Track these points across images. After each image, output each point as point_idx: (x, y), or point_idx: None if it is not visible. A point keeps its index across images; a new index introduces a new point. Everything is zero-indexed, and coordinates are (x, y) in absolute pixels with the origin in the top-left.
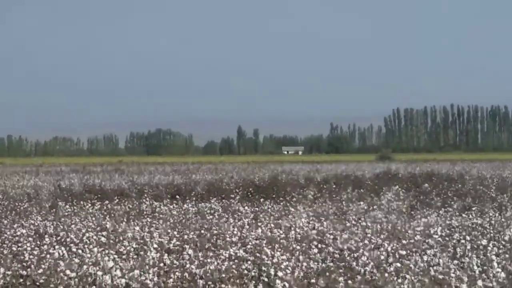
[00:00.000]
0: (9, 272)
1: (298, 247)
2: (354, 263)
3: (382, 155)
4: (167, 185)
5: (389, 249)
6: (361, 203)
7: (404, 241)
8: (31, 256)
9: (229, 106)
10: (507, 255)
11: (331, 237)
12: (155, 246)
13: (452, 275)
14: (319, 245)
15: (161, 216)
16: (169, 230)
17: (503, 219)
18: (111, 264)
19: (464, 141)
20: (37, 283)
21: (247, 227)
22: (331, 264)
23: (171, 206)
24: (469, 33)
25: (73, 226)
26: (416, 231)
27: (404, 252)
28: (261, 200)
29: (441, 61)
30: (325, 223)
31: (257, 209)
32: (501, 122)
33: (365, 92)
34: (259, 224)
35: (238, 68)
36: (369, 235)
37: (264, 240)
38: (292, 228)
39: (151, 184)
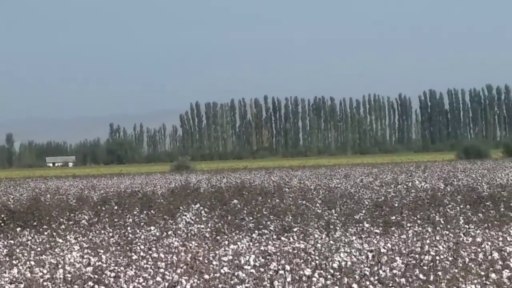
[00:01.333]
0: None
1: None
2: None
3: (179, 165)
4: None
5: (188, 286)
6: (152, 228)
7: (207, 276)
8: None
9: None
10: (336, 287)
11: (112, 274)
12: None
13: None
14: (96, 287)
15: None
16: None
17: (331, 242)
18: None
19: (282, 143)
20: None
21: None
22: None
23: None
24: None
25: None
26: (223, 262)
27: None
28: (18, 230)
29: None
30: (104, 256)
31: (12, 242)
32: (327, 117)
33: (154, 84)
34: (15, 262)
35: None
36: (162, 270)
37: (22, 284)
38: (60, 266)
39: None
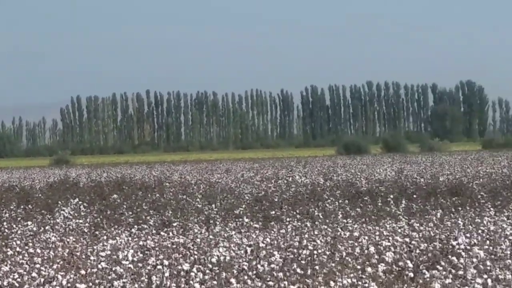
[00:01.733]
0: None
1: None
2: None
3: (58, 159)
4: None
5: (64, 282)
6: (29, 223)
7: (83, 271)
8: None
9: None
10: (214, 282)
11: None
12: None
13: None
14: None
15: None
16: None
17: (210, 236)
18: None
19: (164, 138)
20: None
21: None
22: None
23: None
24: None
25: None
26: (101, 257)
27: (83, 286)
28: None
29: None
30: None
31: None
32: (209, 112)
33: (35, 76)
34: None
35: None
36: (38, 266)
37: None
38: None
39: None
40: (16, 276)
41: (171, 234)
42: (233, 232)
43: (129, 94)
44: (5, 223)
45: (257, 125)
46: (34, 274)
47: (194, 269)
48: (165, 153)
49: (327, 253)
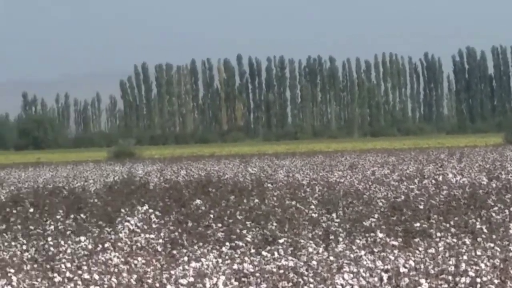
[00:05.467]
0: None
1: None
2: None
3: (119, 151)
4: None
5: None
6: (82, 238)
7: None
8: None
9: None
10: None
11: None
12: None
13: None
14: None
15: None
16: None
17: (331, 258)
18: None
19: (263, 121)
20: None
21: None
22: None
23: None
24: None
25: None
26: (181, 286)
27: None
28: None
29: None
30: (14, 278)
31: None
32: (325, 85)
33: (85, 39)
34: None
35: None
36: None
37: None
38: None
39: None
40: None
41: (276, 254)
42: (363, 252)
43: (214, 61)
44: (49, 239)
45: (392, 103)
46: None
47: None
48: (265, 143)
49: (495, 281)
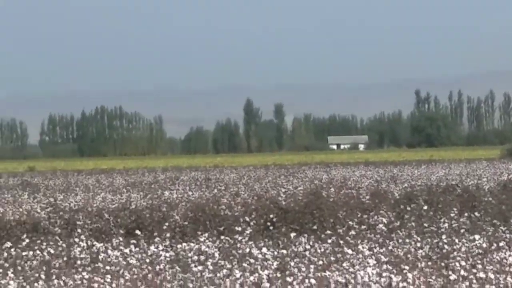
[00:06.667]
0: None
1: None
2: None
3: None
4: (118, 212)
5: None
6: (476, 237)
7: None
8: None
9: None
10: None
11: None
12: None
13: None
14: None
15: (108, 268)
16: None
17: None
18: None
19: None
20: None
21: (267, 286)
22: None
23: (127, 250)
24: None
25: None
26: None
27: None
28: (292, 235)
29: None
30: (409, 275)
31: (284, 251)
32: None
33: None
34: (289, 279)
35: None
36: None
37: None
38: (351, 286)
39: (88, 210)
40: None
41: None
42: None
43: None
44: (443, 236)
45: None
46: None
47: None
48: None
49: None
